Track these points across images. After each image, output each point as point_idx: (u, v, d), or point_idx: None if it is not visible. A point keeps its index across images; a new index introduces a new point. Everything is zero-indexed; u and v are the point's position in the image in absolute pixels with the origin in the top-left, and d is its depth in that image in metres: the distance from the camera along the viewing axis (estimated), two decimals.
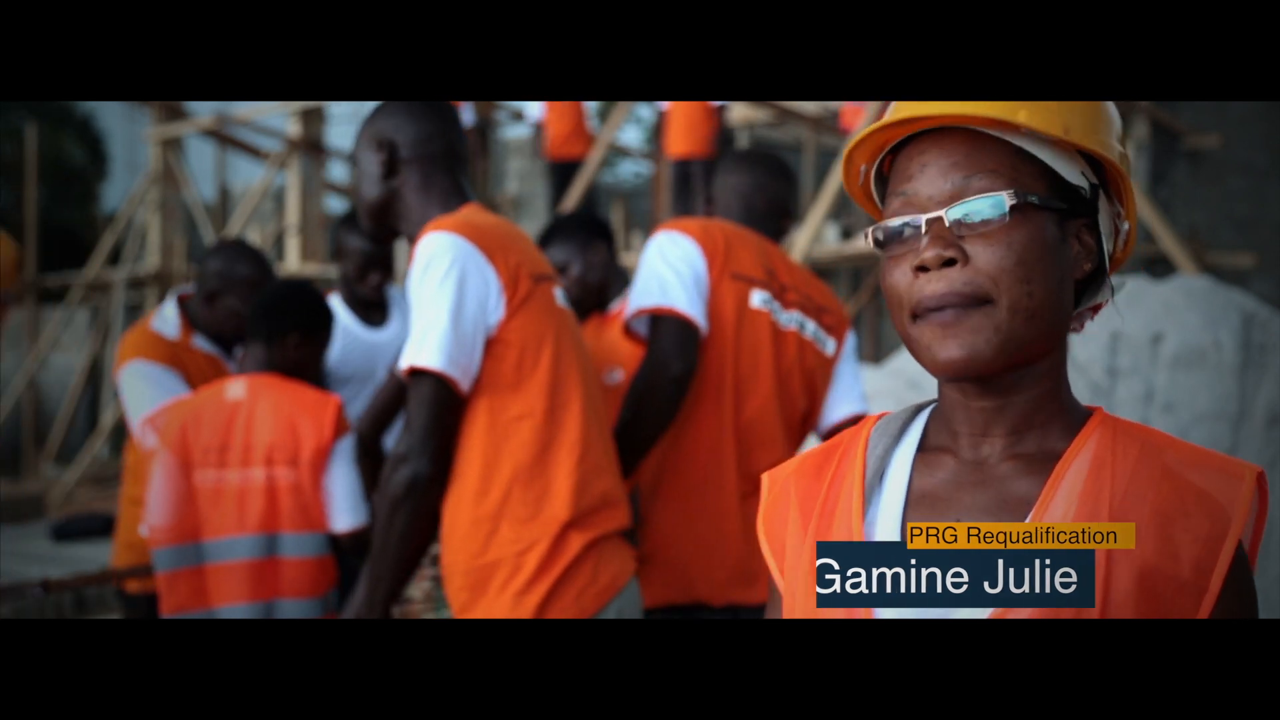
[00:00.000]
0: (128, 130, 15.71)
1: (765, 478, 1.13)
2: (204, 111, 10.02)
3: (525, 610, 2.02)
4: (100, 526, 7.52)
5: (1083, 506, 0.95)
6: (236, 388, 2.60)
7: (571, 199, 8.10)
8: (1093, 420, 1.01)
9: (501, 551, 2.05)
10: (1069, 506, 0.95)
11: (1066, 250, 1.00)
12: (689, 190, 8.87)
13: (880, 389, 4.90)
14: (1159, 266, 7.91)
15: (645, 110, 13.75)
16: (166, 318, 3.08)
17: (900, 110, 1.01)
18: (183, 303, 3.13)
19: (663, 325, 2.35)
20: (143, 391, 2.91)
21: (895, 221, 0.99)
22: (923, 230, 0.98)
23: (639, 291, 2.41)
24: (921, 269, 0.97)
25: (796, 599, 1.04)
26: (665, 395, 2.30)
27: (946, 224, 0.97)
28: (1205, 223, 8.63)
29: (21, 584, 2.81)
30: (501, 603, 2.03)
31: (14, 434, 11.42)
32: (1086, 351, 4.71)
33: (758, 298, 2.46)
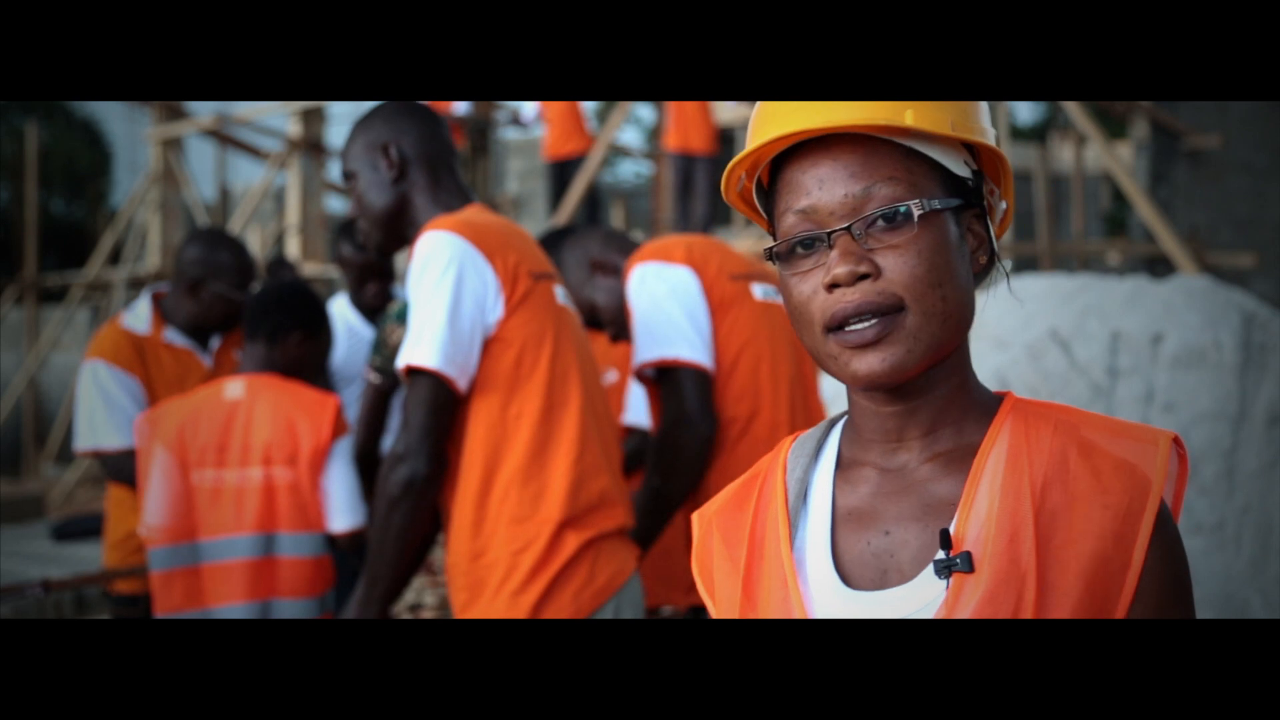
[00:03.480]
0: (128, 130, 15.71)
1: (695, 518, 1.13)
2: (204, 111, 10.01)
3: (521, 610, 2.02)
4: (100, 526, 7.51)
5: (1005, 499, 0.95)
6: (235, 387, 2.60)
7: (571, 199, 8.09)
8: (1004, 407, 1.01)
9: (498, 552, 2.04)
10: (991, 502, 0.95)
11: (965, 246, 1.00)
12: (689, 190, 8.87)
13: None
14: (1159, 266, 7.91)
15: (645, 110, 13.76)
16: (138, 314, 3.07)
17: (780, 121, 0.98)
18: (158, 300, 3.12)
19: (679, 380, 2.29)
20: (94, 402, 2.91)
21: (799, 237, 0.97)
22: (828, 245, 0.96)
23: (642, 338, 2.34)
24: (834, 285, 0.95)
25: None
26: (695, 455, 2.27)
27: (853, 237, 0.96)
28: (1205, 223, 8.63)
29: (21, 584, 2.81)
30: (498, 602, 2.03)
31: (14, 434, 11.41)
32: (1087, 351, 4.71)
33: (759, 290, 2.47)
